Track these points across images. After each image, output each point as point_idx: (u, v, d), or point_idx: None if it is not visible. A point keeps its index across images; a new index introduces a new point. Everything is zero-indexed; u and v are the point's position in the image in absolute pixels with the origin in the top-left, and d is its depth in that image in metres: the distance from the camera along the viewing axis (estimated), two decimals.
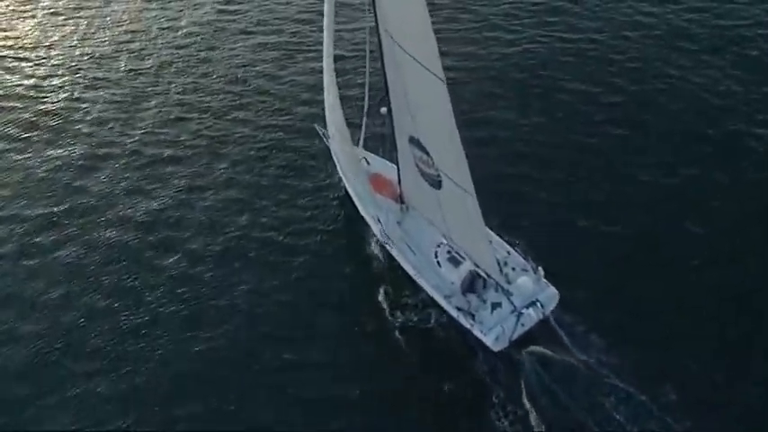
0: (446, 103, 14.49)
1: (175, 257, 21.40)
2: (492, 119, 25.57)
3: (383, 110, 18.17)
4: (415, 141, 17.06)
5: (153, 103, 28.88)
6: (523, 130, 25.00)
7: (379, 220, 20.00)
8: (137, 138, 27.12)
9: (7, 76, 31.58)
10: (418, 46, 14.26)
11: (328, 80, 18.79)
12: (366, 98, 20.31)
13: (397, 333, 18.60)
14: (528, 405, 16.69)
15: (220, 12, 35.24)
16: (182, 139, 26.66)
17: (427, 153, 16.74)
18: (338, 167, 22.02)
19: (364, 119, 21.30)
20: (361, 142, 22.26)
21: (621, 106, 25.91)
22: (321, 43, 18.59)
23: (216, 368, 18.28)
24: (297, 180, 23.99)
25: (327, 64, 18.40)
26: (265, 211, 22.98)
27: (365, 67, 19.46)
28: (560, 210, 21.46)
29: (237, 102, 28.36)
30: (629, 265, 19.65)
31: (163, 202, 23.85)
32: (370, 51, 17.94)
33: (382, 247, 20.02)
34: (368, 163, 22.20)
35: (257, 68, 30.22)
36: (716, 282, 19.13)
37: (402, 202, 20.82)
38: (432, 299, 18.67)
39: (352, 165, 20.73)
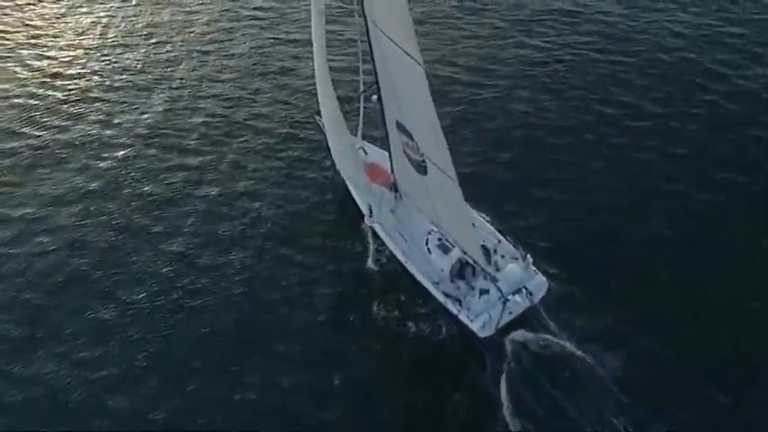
0: (425, 88, 15.46)
1: (175, 265, 22.21)
2: (518, 138, 26.39)
3: (374, 97, 19.15)
4: (401, 127, 18.13)
5: (168, 104, 30.41)
6: (550, 150, 25.73)
7: (370, 208, 21.07)
8: (147, 137, 28.38)
9: (22, 69, 33.76)
10: (398, 31, 15.34)
11: (321, 72, 19.86)
12: (361, 87, 21.26)
13: (407, 343, 19.20)
14: (535, 419, 17.11)
15: (245, 16, 36.89)
16: (192, 142, 27.83)
17: (412, 138, 17.73)
18: (334, 157, 22.97)
19: (361, 108, 22.32)
20: (359, 132, 23.34)
21: (650, 129, 26.51)
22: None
23: (219, 383, 18.73)
24: (307, 191, 24.83)
25: (319, 54, 19.44)
26: (273, 220, 23.72)
27: (359, 55, 20.50)
28: (581, 227, 22.26)
29: (254, 108, 29.70)
30: (646, 279, 20.35)
31: (169, 201, 24.85)
32: (361, 40, 18.85)
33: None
34: (365, 152, 23.30)
35: (277, 75, 31.63)
36: (730, 297, 19.72)
37: (396, 190, 21.83)
38: (431, 295, 19.52)
39: (347, 153, 21.83)
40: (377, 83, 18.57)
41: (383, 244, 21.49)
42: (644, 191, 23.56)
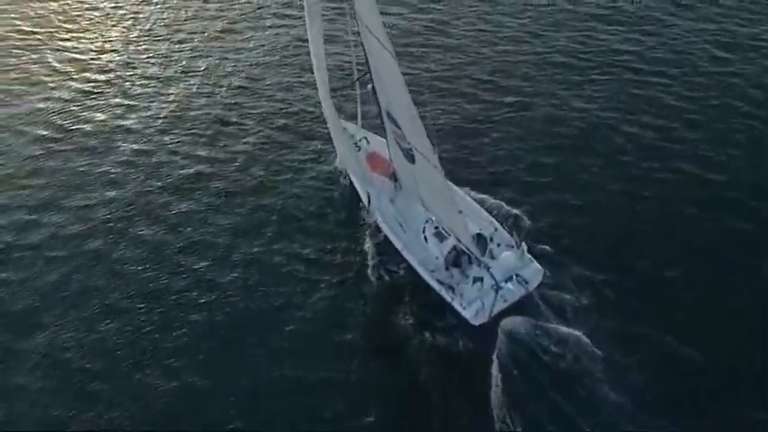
0: (399, 76, 16.88)
1: (174, 273, 22.83)
2: (547, 159, 26.81)
3: (369, 86, 20.08)
4: (390, 117, 19.38)
5: (200, 102, 31.56)
6: (585, 165, 26.21)
7: (369, 197, 22.26)
8: (176, 138, 29.28)
9: (40, 67, 35.18)
10: (373, 22, 16.68)
11: (317, 62, 20.77)
12: (354, 75, 22.59)
13: (422, 353, 19.58)
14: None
15: (278, 22, 38.03)
16: (203, 149, 28.60)
17: (399, 127, 18.90)
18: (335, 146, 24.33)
19: (358, 97, 23.60)
20: (359, 121, 24.83)
21: (684, 153, 26.61)
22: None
23: (235, 392, 19.20)
24: (314, 202, 25.29)
25: (317, 58, 20.53)
26: (290, 231, 24.12)
27: (351, 45, 21.95)
28: (608, 245, 22.61)
29: (270, 117, 30.31)
30: (670, 296, 20.78)
31: (192, 205, 25.62)
32: (353, 31, 20.29)
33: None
34: (368, 142, 24.68)
35: (300, 84, 32.34)
36: (749, 317, 20.07)
37: (395, 179, 23.00)
38: (428, 284, 20.28)
39: (348, 150, 23.06)
40: (369, 73, 19.59)
41: (383, 254, 22.19)
42: (673, 214, 23.65)
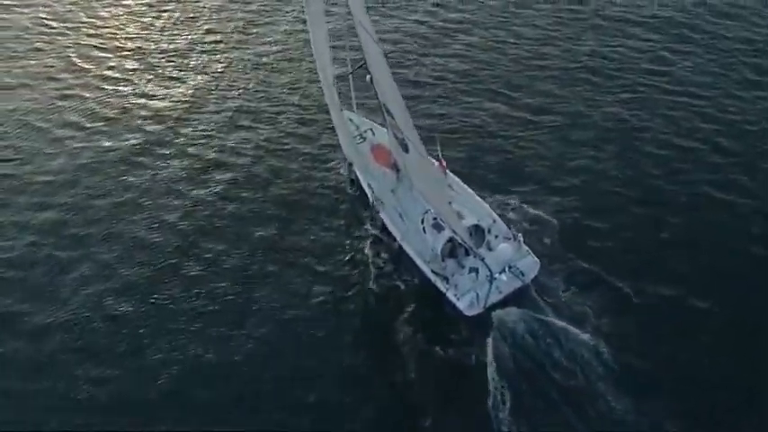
0: (387, 70, 17.61)
1: (172, 281, 22.83)
2: (583, 168, 26.96)
3: (368, 77, 20.11)
4: (385, 107, 20.07)
5: (214, 104, 31.91)
6: (613, 182, 26.18)
7: (370, 188, 22.86)
8: (188, 138, 29.64)
9: (81, 64, 35.56)
10: (365, 18, 17.38)
11: (323, 58, 21.31)
12: (348, 68, 22.90)
13: (428, 365, 19.63)
14: None
15: (300, 27, 37.84)
16: (233, 145, 29.06)
17: (392, 116, 19.62)
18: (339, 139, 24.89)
19: (351, 90, 24.09)
20: (356, 113, 25.63)
21: (723, 168, 26.49)
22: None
23: (235, 394, 19.43)
24: (334, 208, 25.41)
25: (318, 45, 21.03)
26: (299, 233, 24.33)
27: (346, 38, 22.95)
28: (634, 267, 22.27)
29: (300, 116, 30.75)
30: (695, 319, 20.67)
31: (200, 205, 25.83)
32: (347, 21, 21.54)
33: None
34: (373, 134, 25.47)
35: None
36: None
37: (398, 170, 23.68)
38: (425, 275, 20.83)
39: (350, 141, 23.73)
40: (365, 65, 20.05)
41: (388, 264, 22.47)
42: (699, 238, 23.27)
